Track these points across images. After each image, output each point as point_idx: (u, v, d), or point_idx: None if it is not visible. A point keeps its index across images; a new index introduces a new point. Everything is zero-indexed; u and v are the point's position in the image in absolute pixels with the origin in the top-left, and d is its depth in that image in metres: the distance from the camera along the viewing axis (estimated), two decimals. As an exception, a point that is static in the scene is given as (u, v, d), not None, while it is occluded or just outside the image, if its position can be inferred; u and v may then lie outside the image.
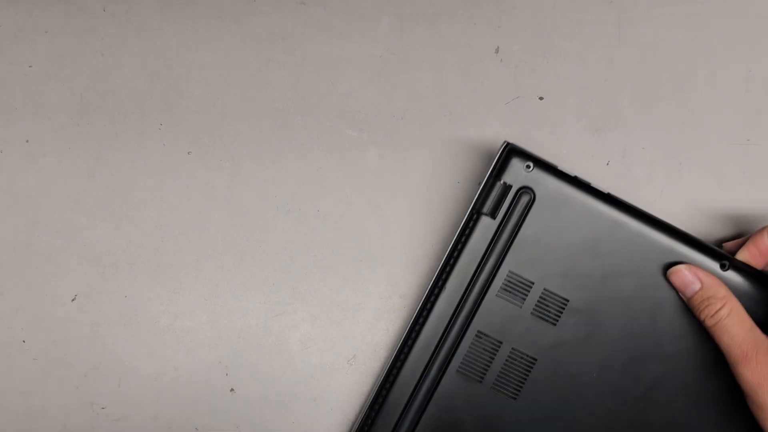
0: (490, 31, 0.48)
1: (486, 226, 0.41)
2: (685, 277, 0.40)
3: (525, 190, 0.41)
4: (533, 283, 0.41)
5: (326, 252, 0.47)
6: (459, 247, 0.42)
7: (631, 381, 0.41)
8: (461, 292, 0.41)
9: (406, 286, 0.46)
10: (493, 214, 0.41)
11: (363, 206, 0.47)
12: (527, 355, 0.42)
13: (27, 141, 0.47)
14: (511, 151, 0.41)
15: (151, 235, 0.46)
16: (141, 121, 0.47)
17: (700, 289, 0.40)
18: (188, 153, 0.47)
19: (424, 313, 0.42)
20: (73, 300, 0.46)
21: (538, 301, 0.41)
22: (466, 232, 0.42)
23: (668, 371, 0.41)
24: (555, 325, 0.41)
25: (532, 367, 0.42)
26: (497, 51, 0.48)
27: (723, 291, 0.40)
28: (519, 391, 0.42)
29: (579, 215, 0.41)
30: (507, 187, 0.41)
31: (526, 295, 0.41)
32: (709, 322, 0.40)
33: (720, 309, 0.40)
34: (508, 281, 0.41)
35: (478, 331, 0.42)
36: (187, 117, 0.47)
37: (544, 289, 0.41)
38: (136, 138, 0.47)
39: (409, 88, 0.47)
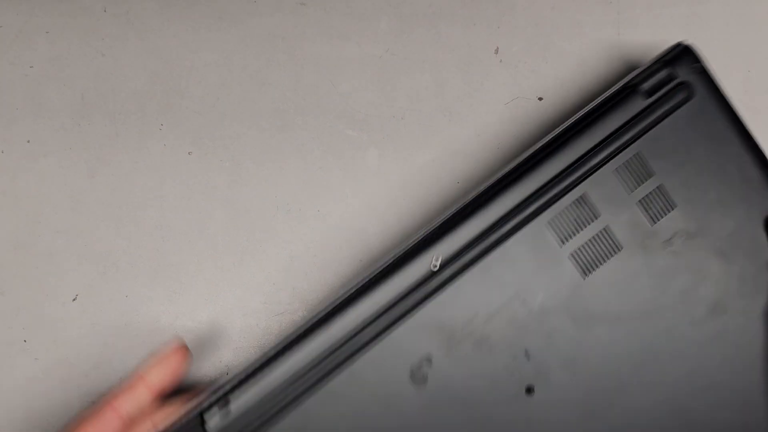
0: (490, 31, 0.48)
1: (633, 104, 0.41)
2: None
3: (686, 86, 0.41)
4: (654, 174, 0.41)
5: (326, 252, 0.47)
6: (596, 113, 0.41)
7: (699, 318, 0.41)
8: (584, 151, 0.40)
9: (406, 286, 0.46)
10: (647, 94, 0.41)
11: (363, 206, 0.47)
12: (616, 240, 0.41)
13: (28, 141, 0.47)
14: (686, 49, 0.41)
15: (151, 235, 0.47)
16: (141, 121, 0.47)
17: None
18: (189, 153, 0.47)
19: (539, 154, 0.40)
20: (74, 300, 0.46)
21: (650, 193, 0.41)
22: (611, 102, 0.41)
23: (743, 321, 0.41)
24: (653, 224, 0.41)
25: (614, 254, 0.41)
26: (497, 51, 0.48)
27: None
28: (591, 272, 0.40)
29: (721, 137, 0.41)
30: (670, 77, 0.41)
31: (641, 183, 0.41)
32: None
33: None
34: (631, 162, 0.41)
35: (582, 195, 0.41)
36: (187, 117, 0.47)
37: (661, 184, 0.41)
38: (137, 138, 0.47)
39: (409, 88, 0.47)
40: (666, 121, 0.41)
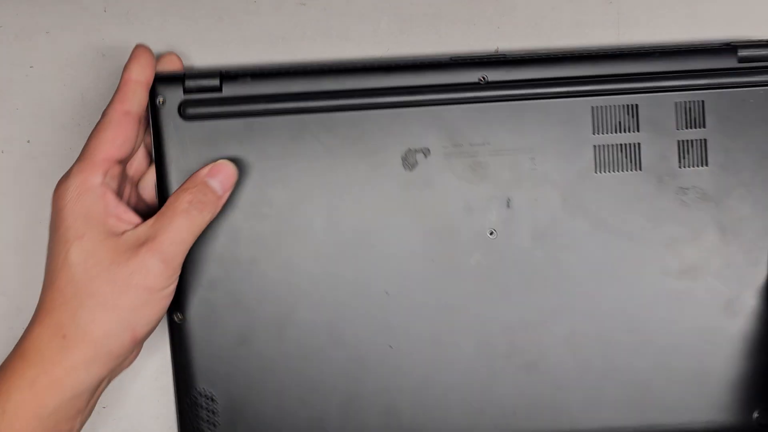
0: (490, 31, 0.48)
1: (725, 59, 0.42)
2: None
3: None
4: (705, 127, 0.42)
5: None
6: (690, 48, 0.43)
7: (670, 270, 0.42)
8: (661, 70, 0.42)
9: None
10: (741, 60, 0.42)
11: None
12: (640, 160, 0.42)
13: (28, 141, 0.47)
14: None
15: (151, 235, 0.47)
16: (141, 121, 0.47)
17: None
18: (189, 153, 0.47)
19: (626, 51, 0.43)
20: (74, 300, 0.46)
21: (693, 141, 0.42)
22: (708, 48, 0.43)
23: (705, 298, 0.42)
24: (679, 167, 0.42)
25: (631, 170, 0.42)
26: (497, 51, 0.48)
27: None
28: (604, 171, 0.42)
29: None
30: None
31: (690, 128, 0.42)
32: None
33: None
34: (693, 105, 0.42)
35: (636, 105, 0.42)
36: (187, 117, 0.47)
37: (706, 139, 0.42)
38: (137, 138, 0.47)
39: (409, 88, 0.47)
40: (743, 90, 0.42)
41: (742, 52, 0.42)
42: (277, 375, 0.42)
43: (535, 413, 0.42)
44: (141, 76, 0.41)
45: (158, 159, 0.42)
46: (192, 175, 0.41)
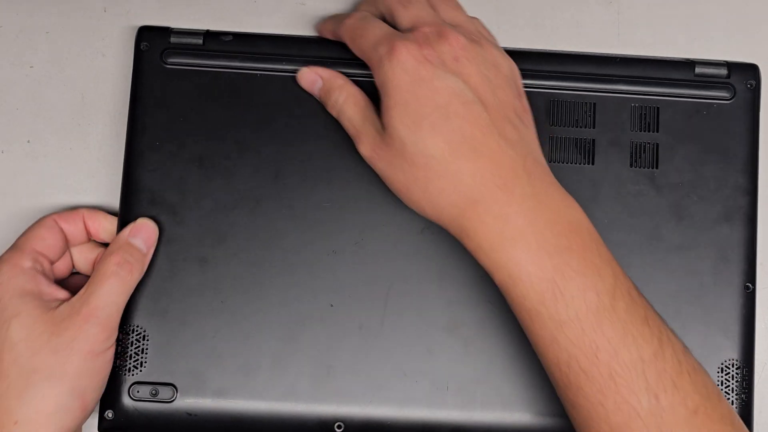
0: (490, 31, 0.48)
1: (682, 71, 0.45)
2: (307, 76, 0.43)
3: (731, 89, 0.44)
4: (658, 132, 0.44)
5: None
6: (651, 59, 0.45)
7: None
8: (620, 74, 0.44)
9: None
10: (697, 75, 0.45)
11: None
12: (593, 155, 0.44)
13: (28, 141, 0.47)
14: (755, 67, 0.45)
15: (151, 235, 0.47)
16: (141, 121, 0.47)
17: (322, 84, 0.42)
18: (189, 153, 0.47)
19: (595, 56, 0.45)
20: (73, 300, 0.46)
21: (645, 143, 0.44)
22: (667, 60, 0.45)
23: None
24: (630, 166, 0.44)
25: (583, 163, 0.44)
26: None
27: (340, 80, 0.42)
28: (556, 162, 0.44)
29: (728, 149, 0.44)
30: (725, 75, 0.45)
31: (644, 131, 0.44)
32: (334, 113, 0.42)
33: (338, 96, 0.42)
34: (648, 109, 0.44)
35: (594, 103, 0.44)
36: (187, 117, 0.47)
37: (658, 143, 0.44)
38: (137, 138, 0.47)
39: (409, 88, 0.47)
40: (696, 102, 0.44)
41: (699, 69, 0.45)
42: (212, 324, 0.42)
43: (468, 389, 0.42)
44: (91, 221, 0.43)
45: (134, 102, 0.44)
46: (114, 237, 0.42)
